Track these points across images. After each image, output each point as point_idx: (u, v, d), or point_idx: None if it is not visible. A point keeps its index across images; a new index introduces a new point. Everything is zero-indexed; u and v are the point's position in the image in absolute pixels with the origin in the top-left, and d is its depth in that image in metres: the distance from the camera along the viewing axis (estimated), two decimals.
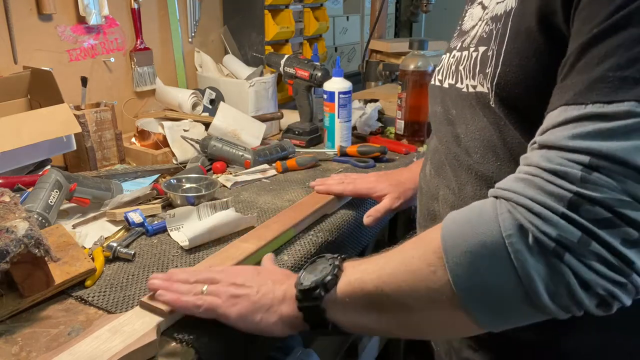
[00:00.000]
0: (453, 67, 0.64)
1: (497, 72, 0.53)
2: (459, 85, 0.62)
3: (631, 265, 0.40)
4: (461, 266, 0.44)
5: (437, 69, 0.72)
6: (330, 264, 0.55)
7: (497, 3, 0.58)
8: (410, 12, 2.31)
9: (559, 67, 0.46)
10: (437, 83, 0.70)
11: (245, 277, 0.60)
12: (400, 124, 1.34)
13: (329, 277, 0.53)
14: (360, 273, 0.52)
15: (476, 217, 0.45)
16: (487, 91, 0.55)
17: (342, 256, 0.57)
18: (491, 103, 0.55)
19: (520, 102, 0.52)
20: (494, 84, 0.53)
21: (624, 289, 0.40)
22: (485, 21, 0.60)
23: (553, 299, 0.41)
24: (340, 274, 0.54)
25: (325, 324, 0.54)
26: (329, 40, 2.30)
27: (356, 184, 0.96)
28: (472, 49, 0.60)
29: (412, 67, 1.29)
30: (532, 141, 0.46)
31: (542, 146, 0.43)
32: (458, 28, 0.71)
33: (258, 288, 0.58)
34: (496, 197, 0.45)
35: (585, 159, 0.39)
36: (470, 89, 0.59)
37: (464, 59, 0.61)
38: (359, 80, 2.03)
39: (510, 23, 0.53)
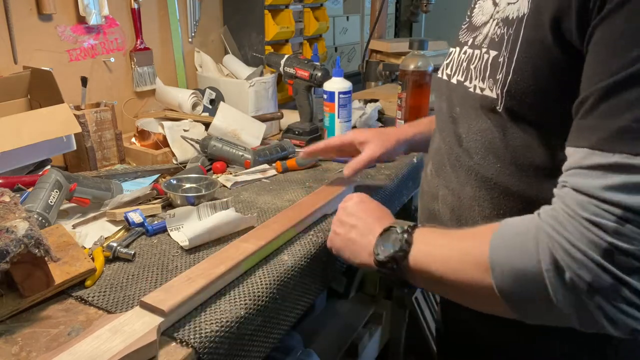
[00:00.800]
0: (464, 64, 0.64)
1: (508, 80, 0.54)
2: (467, 83, 0.62)
3: None
4: (504, 282, 0.50)
5: (445, 61, 0.72)
6: (401, 239, 0.61)
7: (509, 4, 0.58)
8: (410, 12, 2.31)
9: (577, 102, 0.48)
10: (445, 77, 0.70)
11: (344, 214, 0.74)
12: (401, 124, 1.34)
13: (400, 254, 0.60)
14: (426, 257, 0.58)
15: (521, 242, 0.49)
16: (495, 97, 0.56)
17: (413, 227, 0.62)
18: (498, 108, 0.56)
19: (529, 111, 0.53)
20: (505, 91, 0.54)
21: None
22: (496, 21, 0.60)
23: (582, 325, 0.47)
24: (409, 249, 0.60)
25: (396, 280, 0.63)
26: (329, 40, 2.30)
27: (339, 136, 1.00)
28: (484, 50, 0.60)
29: (412, 67, 1.29)
30: (563, 177, 0.49)
31: (576, 190, 0.47)
32: (467, 20, 0.70)
33: (349, 229, 0.71)
34: (539, 227, 0.48)
35: (617, 211, 0.43)
36: (478, 91, 0.59)
37: (475, 58, 0.62)
38: (359, 80, 2.03)
39: (522, 30, 0.53)
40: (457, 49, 0.69)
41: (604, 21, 0.44)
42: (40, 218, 0.79)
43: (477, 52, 0.62)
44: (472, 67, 0.61)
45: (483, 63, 0.59)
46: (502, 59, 0.55)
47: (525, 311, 0.50)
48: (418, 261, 0.59)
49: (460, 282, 0.54)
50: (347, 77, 1.29)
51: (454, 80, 0.67)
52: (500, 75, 0.55)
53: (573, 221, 0.46)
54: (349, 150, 0.96)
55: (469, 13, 0.71)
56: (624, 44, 0.43)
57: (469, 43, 0.65)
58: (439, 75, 0.73)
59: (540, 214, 0.50)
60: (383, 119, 1.51)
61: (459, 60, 0.66)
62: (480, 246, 0.52)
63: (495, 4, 0.62)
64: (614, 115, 0.43)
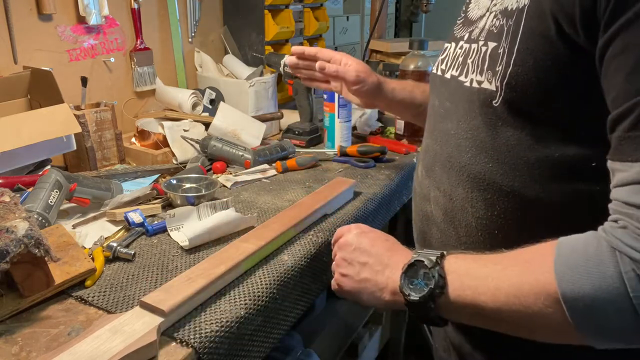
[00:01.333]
0: (460, 58, 0.63)
1: (509, 71, 0.52)
2: (462, 78, 0.61)
3: None
4: (581, 313, 0.46)
5: (440, 57, 0.71)
6: (433, 275, 0.54)
7: None
8: (410, 12, 2.31)
9: (614, 116, 0.46)
10: (439, 72, 0.69)
11: (347, 252, 0.65)
12: (400, 124, 1.34)
13: (436, 291, 0.54)
14: (472, 290, 0.53)
15: (595, 268, 0.46)
16: (494, 89, 0.54)
17: (440, 257, 0.56)
18: (495, 102, 0.54)
19: (528, 104, 0.52)
20: (504, 83, 0.53)
21: None
22: (494, 13, 0.59)
23: None
24: (445, 284, 0.54)
25: (433, 320, 0.56)
26: (329, 40, 2.30)
27: (331, 51, 1.00)
28: (481, 43, 0.59)
29: (412, 67, 1.29)
30: (622, 195, 0.47)
31: None
32: (463, 15, 0.69)
33: (360, 269, 0.63)
34: (613, 249, 0.46)
35: None
36: (475, 84, 0.58)
37: (472, 52, 0.60)
38: None
39: (523, 22, 0.52)
40: (453, 44, 0.68)
41: (627, 30, 0.43)
42: (40, 218, 0.79)
43: (474, 45, 0.60)
44: (469, 61, 0.60)
45: (481, 55, 0.58)
46: (501, 50, 0.54)
47: (603, 339, 0.47)
48: (460, 295, 0.53)
49: (519, 317, 0.49)
50: None
51: (447, 75, 0.65)
52: (500, 67, 0.54)
53: None
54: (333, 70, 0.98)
55: (464, 8, 0.70)
56: None
57: (465, 38, 0.64)
58: (434, 71, 0.72)
59: (608, 235, 0.47)
60: (383, 119, 1.51)
61: (455, 55, 0.65)
62: (540, 275, 0.48)
63: None
64: None
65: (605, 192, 0.49)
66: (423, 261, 0.56)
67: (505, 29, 0.55)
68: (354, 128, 1.40)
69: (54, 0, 1.16)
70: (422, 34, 2.75)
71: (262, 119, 1.38)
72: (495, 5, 0.59)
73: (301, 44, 1.82)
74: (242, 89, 1.42)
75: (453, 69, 0.64)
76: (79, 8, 1.22)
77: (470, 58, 0.60)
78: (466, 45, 0.63)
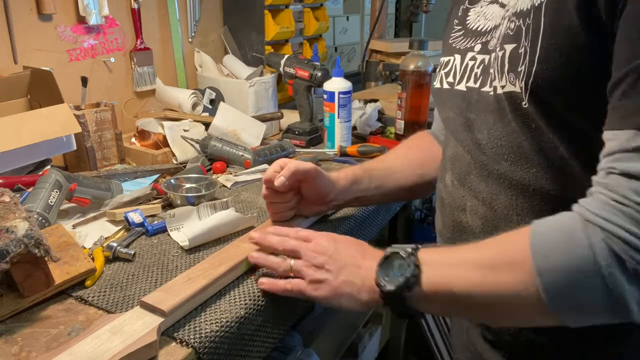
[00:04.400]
0: (477, 70, 0.61)
1: (533, 70, 0.51)
2: (485, 88, 0.59)
3: None
4: (555, 286, 0.46)
5: (442, 71, 0.69)
6: (408, 264, 0.55)
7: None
8: (410, 12, 2.31)
9: (612, 83, 0.46)
10: (447, 86, 0.67)
11: (323, 258, 0.63)
12: (401, 124, 1.34)
13: (411, 280, 0.54)
14: (446, 278, 0.53)
15: (568, 241, 0.46)
16: (519, 90, 0.53)
17: (415, 248, 0.56)
18: (524, 104, 0.53)
19: (559, 101, 0.51)
20: (530, 82, 0.52)
21: None
22: (507, 19, 0.57)
23: None
24: (420, 274, 0.55)
25: (408, 312, 0.57)
26: (328, 40, 2.30)
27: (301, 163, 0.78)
28: (498, 49, 0.57)
29: (412, 67, 1.29)
30: (605, 163, 0.46)
31: (625, 174, 0.44)
32: (459, 26, 0.67)
33: (337, 272, 0.61)
34: (586, 220, 0.46)
35: None
36: (499, 90, 0.56)
37: (492, 61, 0.58)
38: (359, 80, 2.03)
39: (543, 18, 0.51)
40: (457, 56, 0.66)
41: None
42: (40, 218, 0.79)
43: (494, 55, 0.59)
44: (491, 70, 0.58)
45: (499, 60, 0.56)
46: (522, 49, 0.53)
47: (575, 315, 0.47)
48: (434, 283, 0.54)
49: (493, 297, 0.50)
50: (347, 76, 1.29)
51: (461, 87, 0.64)
52: (523, 67, 0.52)
53: (628, 209, 0.43)
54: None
55: (456, 21, 0.68)
56: None
57: (477, 49, 0.62)
58: (438, 85, 0.69)
59: (581, 207, 0.47)
60: (383, 119, 1.51)
61: (465, 67, 0.63)
62: (516, 253, 0.48)
63: (502, 6, 0.60)
64: None
65: None
66: (398, 252, 0.56)
67: (524, 28, 0.53)
68: (354, 128, 1.40)
69: (54, 0, 1.16)
70: (422, 34, 2.75)
71: (262, 118, 1.38)
72: (508, 11, 0.58)
73: (301, 43, 1.82)
74: (242, 88, 1.42)
75: (467, 80, 0.62)
76: (79, 8, 1.22)
77: (492, 67, 0.58)
78: (482, 57, 0.61)
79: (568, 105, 0.51)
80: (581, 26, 0.48)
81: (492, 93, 0.58)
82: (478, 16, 0.64)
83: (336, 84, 1.24)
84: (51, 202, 0.82)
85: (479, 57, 0.62)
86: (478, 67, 0.61)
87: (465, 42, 0.65)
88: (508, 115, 0.56)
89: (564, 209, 0.50)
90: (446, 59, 0.69)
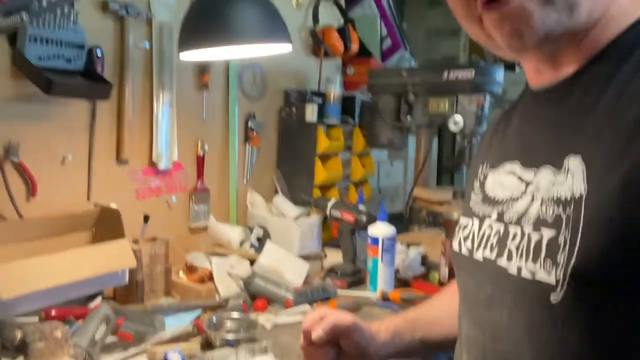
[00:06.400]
0: (494, 239, 0.59)
1: (571, 264, 0.49)
2: (503, 263, 0.56)
3: None
4: None
5: (461, 234, 0.65)
6: None
7: (552, 184, 0.54)
8: (452, 163, 2.42)
9: None
10: (465, 252, 0.63)
11: None
12: (445, 271, 1.32)
13: None
14: None
15: None
16: (553, 283, 0.50)
17: None
18: (553, 298, 0.50)
19: (594, 299, 0.48)
20: (568, 275, 0.49)
21: None
22: (540, 200, 0.55)
23: None
24: None
25: None
26: (373, 183, 2.40)
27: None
28: (527, 229, 0.54)
29: (456, 215, 1.31)
30: None
31: None
32: (479, 190, 0.65)
33: None
34: None
35: None
36: (526, 274, 0.53)
37: (514, 236, 0.56)
38: (401, 221, 2.07)
39: (583, 210, 0.49)
40: (475, 220, 0.63)
41: None
42: (85, 354, 0.80)
43: (513, 229, 0.56)
44: (511, 245, 0.55)
45: (533, 243, 0.53)
46: (562, 239, 0.50)
47: None
48: None
49: None
50: (391, 217, 1.32)
51: (478, 257, 0.60)
52: (562, 257, 0.49)
53: None
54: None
55: (477, 185, 0.66)
56: None
57: (493, 217, 0.60)
58: (456, 249, 0.66)
59: None
60: (427, 263, 1.49)
61: (482, 235, 0.61)
62: None
63: (522, 181, 0.58)
64: None
65: None
66: None
67: (564, 218, 0.51)
68: (397, 271, 1.39)
69: (132, 147, 1.32)
70: (464, 181, 2.84)
71: (306, 257, 1.41)
72: (529, 186, 0.57)
73: (347, 188, 1.91)
74: (289, 228, 1.48)
75: (484, 249, 0.60)
76: (153, 154, 1.38)
77: (513, 242, 0.55)
78: (498, 226, 0.59)
79: (605, 304, 0.47)
80: (621, 220, 0.46)
81: (514, 272, 0.54)
82: (496, 184, 0.63)
83: (381, 229, 1.27)
84: (97, 337, 0.84)
85: (496, 227, 0.59)
86: (494, 237, 0.59)
87: (482, 208, 0.63)
88: (533, 304, 0.52)
89: None
90: (465, 221, 0.66)
